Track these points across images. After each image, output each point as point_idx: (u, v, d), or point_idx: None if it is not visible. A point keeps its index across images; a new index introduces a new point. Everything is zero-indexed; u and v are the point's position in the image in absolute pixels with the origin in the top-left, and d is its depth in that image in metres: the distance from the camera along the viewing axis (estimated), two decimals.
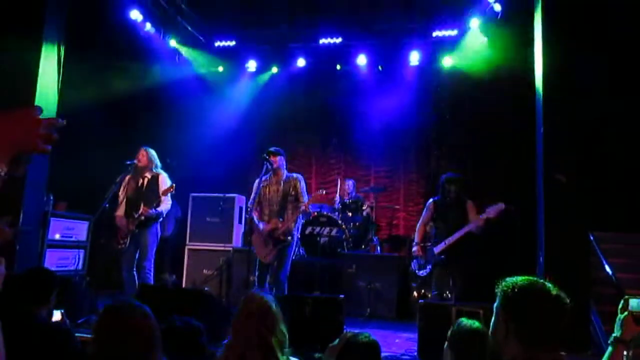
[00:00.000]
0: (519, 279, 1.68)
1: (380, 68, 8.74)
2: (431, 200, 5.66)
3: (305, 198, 5.48)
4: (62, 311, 3.97)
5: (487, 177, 7.40)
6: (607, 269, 4.84)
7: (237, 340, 2.48)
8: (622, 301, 2.00)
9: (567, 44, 5.31)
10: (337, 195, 7.96)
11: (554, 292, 1.64)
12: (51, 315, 3.06)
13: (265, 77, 9.31)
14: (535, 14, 5.66)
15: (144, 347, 1.93)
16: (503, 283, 1.69)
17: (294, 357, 2.59)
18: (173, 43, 8.73)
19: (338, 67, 8.88)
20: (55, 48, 6.02)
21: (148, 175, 5.69)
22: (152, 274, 5.62)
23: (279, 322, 2.55)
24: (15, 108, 1.08)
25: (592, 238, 5.15)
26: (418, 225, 5.70)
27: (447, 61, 8.32)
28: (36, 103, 5.66)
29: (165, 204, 5.62)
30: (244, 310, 2.55)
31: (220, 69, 9.35)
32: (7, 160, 1.04)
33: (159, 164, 5.79)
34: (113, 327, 1.96)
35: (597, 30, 5.29)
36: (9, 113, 1.07)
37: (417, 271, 5.59)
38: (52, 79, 5.96)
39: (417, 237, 5.62)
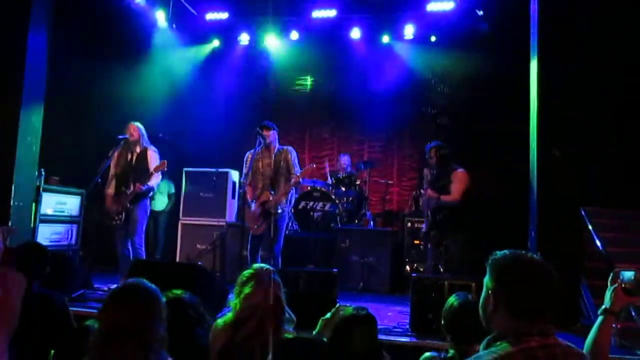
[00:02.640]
0: (507, 252, 1.69)
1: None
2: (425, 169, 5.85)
3: (297, 169, 5.55)
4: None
5: (481, 151, 7.38)
6: (598, 243, 4.89)
7: (253, 307, 2.49)
8: (612, 273, 2.03)
9: (565, 20, 5.26)
10: (339, 167, 8.00)
11: (540, 262, 1.65)
12: None
13: (258, 50, 9.15)
14: None
15: (147, 324, 1.92)
16: (491, 256, 1.70)
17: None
18: (164, 15, 8.56)
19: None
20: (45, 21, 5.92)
21: (137, 149, 5.68)
22: (143, 248, 5.64)
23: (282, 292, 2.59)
24: None
25: (583, 213, 5.19)
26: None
27: (442, 34, 8.21)
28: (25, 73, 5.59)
29: (156, 179, 5.62)
30: (256, 280, 2.56)
31: (215, 42, 9.20)
32: None
33: (147, 138, 5.78)
34: (119, 305, 1.96)
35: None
36: None
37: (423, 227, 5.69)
38: (40, 56, 5.87)
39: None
